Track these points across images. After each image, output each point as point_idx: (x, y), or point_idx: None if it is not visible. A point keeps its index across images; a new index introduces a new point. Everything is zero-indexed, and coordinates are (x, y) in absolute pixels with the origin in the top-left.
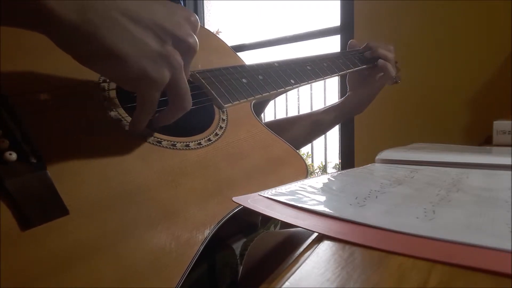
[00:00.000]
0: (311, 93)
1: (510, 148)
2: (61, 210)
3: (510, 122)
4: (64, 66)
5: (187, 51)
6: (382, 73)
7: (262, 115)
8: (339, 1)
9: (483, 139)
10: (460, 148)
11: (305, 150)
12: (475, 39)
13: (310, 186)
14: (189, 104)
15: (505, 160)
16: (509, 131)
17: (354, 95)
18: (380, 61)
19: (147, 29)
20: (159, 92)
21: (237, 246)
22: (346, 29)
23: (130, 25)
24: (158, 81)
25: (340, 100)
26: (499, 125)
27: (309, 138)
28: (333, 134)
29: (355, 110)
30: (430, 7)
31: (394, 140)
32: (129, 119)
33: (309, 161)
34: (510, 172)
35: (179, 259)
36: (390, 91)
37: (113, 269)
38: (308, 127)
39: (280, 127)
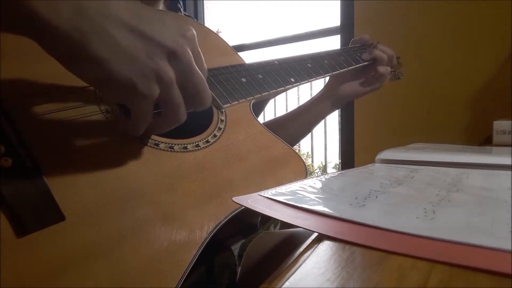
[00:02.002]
0: (311, 93)
1: (510, 148)
2: (57, 216)
3: (510, 122)
4: (60, 69)
5: (181, 66)
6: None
7: (262, 114)
8: (339, 1)
9: (483, 139)
10: (460, 148)
11: (305, 150)
12: (475, 39)
13: (310, 186)
14: (182, 117)
15: (505, 160)
16: (509, 131)
17: (347, 87)
18: (379, 68)
19: (138, 40)
20: (150, 104)
21: (236, 247)
22: (346, 29)
23: (120, 35)
24: (146, 95)
25: (328, 87)
26: (499, 125)
27: (309, 130)
28: (333, 134)
29: (344, 101)
30: (430, 7)
31: (394, 140)
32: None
33: (309, 161)
34: (510, 172)
35: (177, 263)
36: (390, 91)
37: (110, 274)
38: (308, 121)
39: (279, 125)
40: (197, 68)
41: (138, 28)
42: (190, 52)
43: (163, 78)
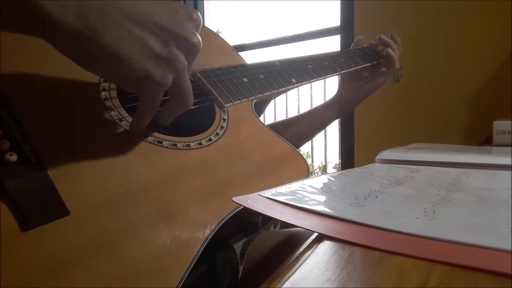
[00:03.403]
0: (311, 93)
1: (510, 148)
2: (61, 210)
3: (510, 122)
4: (64, 66)
5: (191, 51)
6: (385, 68)
7: (262, 115)
8: (339, 1)
9: (483, 139)
10: (460, 148)
11: (305, 150)
12: (475, 39)
13: (310, 186)
14: (191, 101)
15: (505, 160)
16: (509, 131)
17: (352, 90)
18: (388, 50)
19: (149, 30)
20: (162, 93)
21: (238, 246)
22: (346, 29)
23: (131, 27)
24: (161, 83)
25: (336, 94)
26: (499, 125)
27: (311, 135)
28: (333, 134)
29: (352, 105)
30: (430, 7)
31: (394, 140)
32: (130, 119)
33: (309, 161)
34: (510, 172)
35: (180, 259)
36: (390, 91)
37: (113, 270)
38: (310, 126)
39: (282, 127)
40: None
41: (147, 18)
42: (198, 36)
43: (176, 65)
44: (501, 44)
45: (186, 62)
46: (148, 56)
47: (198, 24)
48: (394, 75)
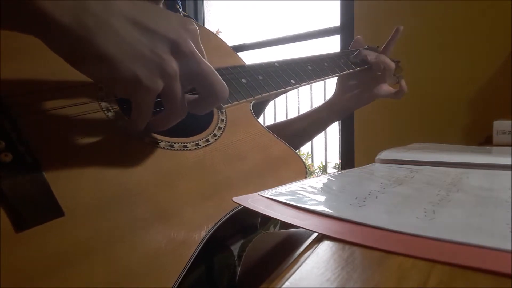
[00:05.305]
0: (311, 93)
1: (510, 148)
2: (56, 211)
3: (510, 122)
4: (61, 66)
5: (185, 58)
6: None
7: (262, 115)
8: (339, 1)
9: (483, 139)
10: (460, 148)
11: (305, 150)
12: (475, 39)
13: (310, 186)
14: (184, 112)
15: (505, 160)
16: (509, 131)
17: (344, 100)
18: (380, 59)
19: (142, 35)
20: (153, 98)
21: (235, 247)
22: (346, 29)
23: (125, 30)
24: (150, 88)
25: (331, 98)
26: (499, 125)
27: (308, 137)
28: (333, 134)
29: (346, 111)
30: (430, 7)
31: (394, 140)
32: (127, 119)
33: (309, 161)
34: (510, 172)
35: (175, 261)
36: None
37: (107, 271)
38: (310, 126)
39: (278, 129)
40: (203, 58)
41: (141, 22)
42: (192, 44)
43: (167, 71)
44: (501, 44)
45: (178, 69)
46: (138, 60)
47: (193, 33)
48: (394, 76)
